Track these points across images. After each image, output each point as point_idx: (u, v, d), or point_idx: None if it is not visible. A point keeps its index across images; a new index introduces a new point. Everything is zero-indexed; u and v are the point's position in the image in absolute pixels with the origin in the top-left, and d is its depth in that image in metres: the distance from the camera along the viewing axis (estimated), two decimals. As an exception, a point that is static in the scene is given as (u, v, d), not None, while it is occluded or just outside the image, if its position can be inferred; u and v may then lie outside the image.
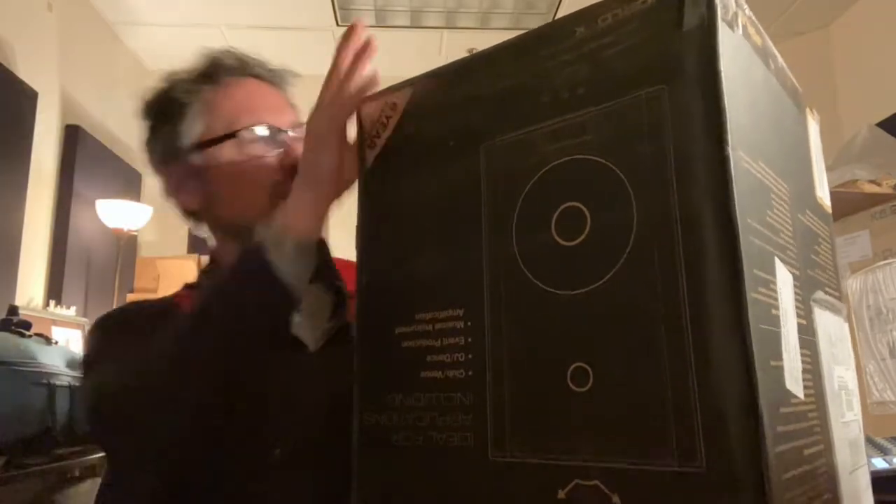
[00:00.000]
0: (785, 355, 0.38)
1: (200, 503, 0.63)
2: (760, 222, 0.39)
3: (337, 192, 0.60)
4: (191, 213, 0.82)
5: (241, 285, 0.59)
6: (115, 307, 0.81)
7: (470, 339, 0.46)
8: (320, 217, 0.60)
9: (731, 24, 0.41)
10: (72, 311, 2.82)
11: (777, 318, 0.38)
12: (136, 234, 3.35)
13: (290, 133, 0.75)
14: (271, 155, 0.72)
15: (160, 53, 3.74)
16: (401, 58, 4.05)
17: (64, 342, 2.45)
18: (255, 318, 0.57)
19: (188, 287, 0.82)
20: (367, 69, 0.62)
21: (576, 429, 0.40)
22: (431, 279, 0.49)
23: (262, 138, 0.72)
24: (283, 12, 3.32)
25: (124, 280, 3.23)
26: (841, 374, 0.49)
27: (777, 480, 0.33)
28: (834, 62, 3.44)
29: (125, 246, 3.19)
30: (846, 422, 0.48)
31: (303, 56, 3.70)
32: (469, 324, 0.46)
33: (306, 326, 0.71)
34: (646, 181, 0.39)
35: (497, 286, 0.45)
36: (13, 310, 1.99)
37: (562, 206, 0.43)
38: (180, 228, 3.86)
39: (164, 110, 0.76)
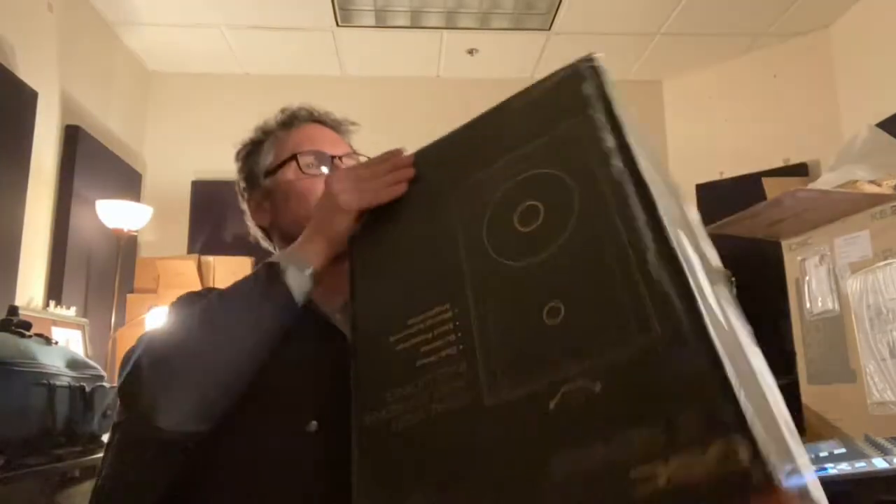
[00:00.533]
0: (692, 253, 0.53)
1: (239, 470, 0.72)
2: (661, 183, 0.56)
3: (340, 247, 0.74)
4: (262, 229, 0.99)
5: (259, 290, 0.72)
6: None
7: (458, 322, 0.56)
8: (324, 258, 0.73)
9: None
10: (72, 312, 2.82)
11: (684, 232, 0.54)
12: (136, 234, 3.35)
13: (343, 159, 0.93)
14: (323, 174, 0.90)
15: (160, 53, 3.74)
16: (401, 58, 4.06)
17: (64, 342, 2.45)
18: (261, 314, 0.70)
19: None
20: (402, 188, 0.72)
21: (555, 353, 0.49)
22: (418, 291, 0.60)
23: (316, 161, 0.92)
24: (283, 12, 3.32)
25: (124, 280, 3.23)
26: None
27: (711, 329, 0.45)
28: (834, 62, 3.44)
29: (125, 246, 3.19)
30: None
31: (303, 56, 3.72)
32: (456, 310, 0.56)
33: (346, 326, 0.84)
34: (580, 172, 0.56)
35: (476, 276, 0.57)
36: (13, 310, 1.99)
37: (521, 206, 0.58)
38: (180, 229, 3.84)
39: (248, 151, 0.98)
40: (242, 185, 0.99)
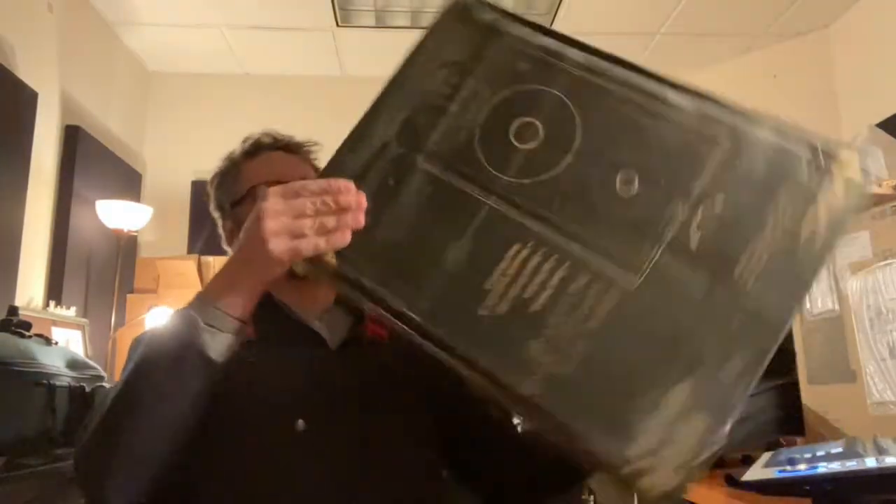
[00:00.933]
0: None
1: (232, 471, 0.74)
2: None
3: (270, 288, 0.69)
4: None
5: (172, 348, 0.66)
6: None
7: (543, 248, 0.54)
8: (250, 306, 0.66)
9: None
10: (72, 312, 2.82)
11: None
12: (136, 234, 3.35)
13: None
14: None
15: (160, 53, 3.74)
16: (401, 58, 4.04)
17: (64, 343, 2.45)
18: (176, 375, 0.65)
19: None
20: (346, 237, 0.59)
21: (657, 201, 0.54)
22: (466, 255, 0.55)
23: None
24: (283, 12, 3.32)
25: (124, 280, 3.23)
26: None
27: None
28: (834, 62, 3.44)
29: (125, 246, 3.19)
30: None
31: (303, 56, 3.72)
32: (530, 242, 0.54)
33: (325, 332, 0.87)
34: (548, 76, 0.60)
35: (511, 202, 0.56)
36: (13, 310, 1.99)
37: (513, 127, 0.59)
38: (180, 229, 3.84)
39: (217, 181, 1.00)
40: (215, 214, 1.01)
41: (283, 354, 0.81)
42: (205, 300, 0.65)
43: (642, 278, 0.50)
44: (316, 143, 1.03)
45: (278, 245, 0.58)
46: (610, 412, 0.47)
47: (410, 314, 0.54)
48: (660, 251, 0.51)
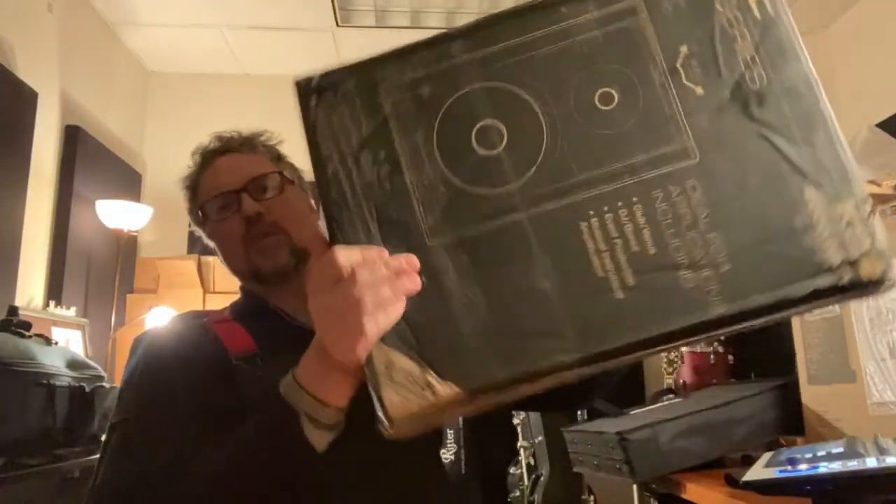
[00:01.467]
0: None
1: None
2: None
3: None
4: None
5: (274, 448, 0.63)
6: (155, 330, 0.90)
7: (598, 208, 0.52)
8: (349, 392, 0.58)
9: None
10: (72, 312, 2.82)
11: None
12: (136, 234, 3.35)
13: (245, 192, 0.88)
14: (229, 215, 0.88)
15: (160, 53, 3.74)
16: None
17: (64, 343, 2.45)
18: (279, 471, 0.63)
19: (229, 308, 0.94)
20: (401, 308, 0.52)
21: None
22: (558, 269, 0.52)
23: (221, 205, 0.89)
24: (283, 12, 3.32)
25: (124, 280, 3.23)
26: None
27: None
28: (834, 62, 3.44)
29: (125, 246, 3.19)
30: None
31: (303, 56, 3.71)
32: (591, 212, 0.52)
33: None
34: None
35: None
36: (13, 310, 1.99)
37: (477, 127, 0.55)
38: (180, 229, 3.84)
39: (187, 198, 0.97)
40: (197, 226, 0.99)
41: (291, 364, 0.75)
42: (294, 391, 0.60)
43: (698, 153, 0.50)
44: (262, 133, 0.98)
45: (346, 352, 0.51)
46: (784, 264, 0.48)
47: (570, 357, 0.49)
48: (684, 121, 0.51)
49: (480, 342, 0.50)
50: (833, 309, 0.98)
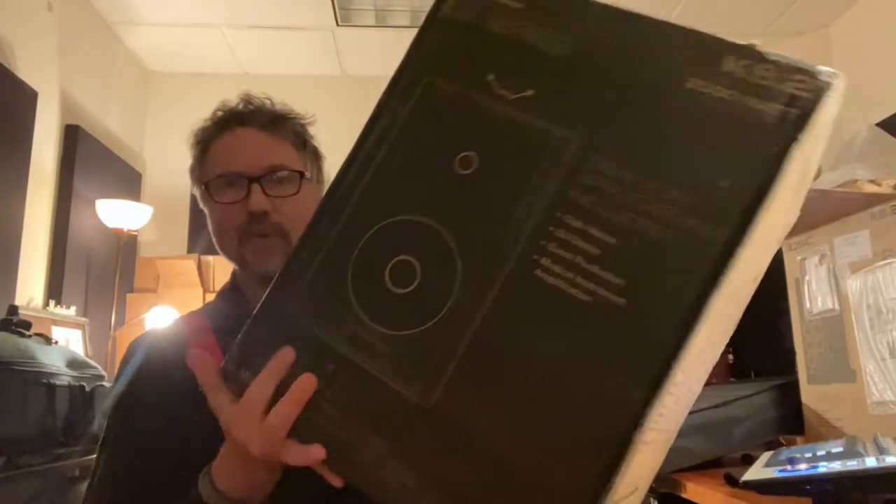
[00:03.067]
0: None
1: None
2: None
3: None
4: None
5: None
6: (140, 338, 0.86)
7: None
8: (255, 484, 0.55)
9: None
10: (72, 311, 2.82)
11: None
12: (136, 234, 3.35)
13: (264, 181, 0.81)
14: (235, 200, 0.81)
15: (160, 53, 3.74)
16: (401, 58, 4.04)
17: (64, 342, 2.45)
18: None
19: (210, 306, 0.89)
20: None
21: None
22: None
23: (223, 184, 0.82)
24: (283, 12, 3.32)
25: (124, 280, 3.23)
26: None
27: None
28: (834, 62, 3.44)
29: (125, 246, 3.19)
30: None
31: (303, 56, 3.71)
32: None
33: None
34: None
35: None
36: (13, 310, 1.99)
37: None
38: (180, 228, 3.84)
39: (192, 163, 0.89)
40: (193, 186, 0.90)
41: None
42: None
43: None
44: (295, 114, 0.88)
45: (259, 449, 0.50)
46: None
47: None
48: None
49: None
50: (833, 308, 0.97)
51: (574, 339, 0.42)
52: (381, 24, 3.42)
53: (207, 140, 0.85)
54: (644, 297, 0.41)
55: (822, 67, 0.43)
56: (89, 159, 3.11)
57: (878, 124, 1.68)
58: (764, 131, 0.42)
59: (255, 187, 0.80)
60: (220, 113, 0.86)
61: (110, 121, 3.42)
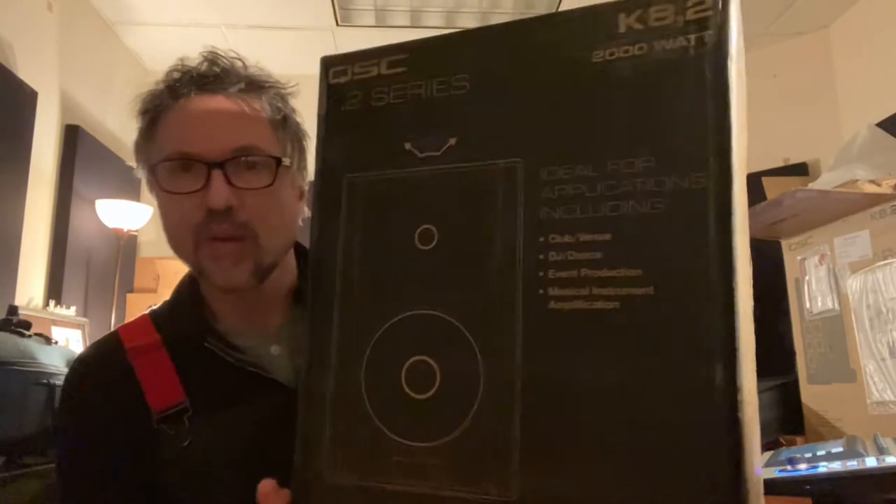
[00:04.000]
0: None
1: None
2: None
3: None
4: None
5: None
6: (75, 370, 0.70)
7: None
8: None
9: None
10: (72, 311, 2.82)
11: None
12: (136, 234, 3.35)
13: (229, 167, 0.62)
14: (190, 191, 0.62)
15: (160, 53, 3.74)
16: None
17: (64, 342, 2.45)
18: None
19: (146, 322, 0.72)
20: None
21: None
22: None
23: (180, 171, 0.63)
24: (283, 12, 3.32)
25: (124, 280, 3.23)
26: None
27: None
28: (834, 62, 3.44)
29: (125, 246, 3.19)
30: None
31: (303, 56, 3.71)
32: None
33: (284, 364, 0.67)
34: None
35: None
36: (13, 310, 1.99)
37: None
38: (180, 228, 3.79)
39: (136, 138, 0.69)
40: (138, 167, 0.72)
41: (221, 427, 0.62)
42: None
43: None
44: (274, 80, 0.71)
45: None
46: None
47: None
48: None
49: None
50: (833, 308, 0.97)
51: (626, 353, 0.38)
52: (381, 24, 3.42)
53: (157, 109, 0.65)
54: (669, 275, 0.38)
55: None
56: (89, 159, 3.11)
57: (878, 124, 1.68)
58: (691, 64, 0.40)
59: (217, 175, 0.61)
60: (175, 74, 0.66)
61: (110, 121, 3.42)
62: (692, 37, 0.41)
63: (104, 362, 0.68)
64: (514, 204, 0.43)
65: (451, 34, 0.48)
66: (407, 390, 0.44)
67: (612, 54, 0.42)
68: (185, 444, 0.61)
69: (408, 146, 0.47)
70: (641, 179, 0.40)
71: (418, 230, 0.45)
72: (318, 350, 0.47)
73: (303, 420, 0.48)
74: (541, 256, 0.42)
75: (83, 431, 0.66)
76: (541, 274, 0.41)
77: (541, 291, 0.41)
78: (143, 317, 0.71)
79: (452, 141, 0.46)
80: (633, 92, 0.41)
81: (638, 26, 0.42)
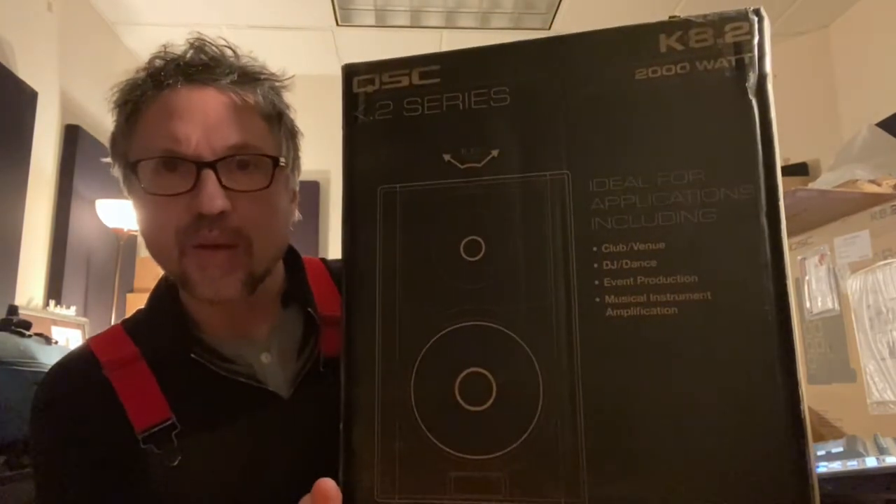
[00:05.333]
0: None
1: None
2: None
3: None
4: None
5: None
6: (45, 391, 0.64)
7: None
8: None
9: None
10: (72, 311, 2.82)
11: None
12: (136, 234, 3.35)
13: (221, 168, 0.57)
14: (177, 193, 0.57)
15: (160, 53, 3.74)
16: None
17: (64, 342, 2.45)
18: None
19: (120, 333, 0.66)
20: None
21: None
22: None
23: (165, 171, 0.57)
24: (283, 12, 3.32)
25: (124, 280, 3.23)
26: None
27: None
28: (834, 62, 3.44)
29: (125, 246, 3.19)
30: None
31: (303, 56, 3.71)
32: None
33: (274, 373, 0.63)
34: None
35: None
36: (13, 310, 1.99)
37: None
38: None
39: (112, 131, 0.63)
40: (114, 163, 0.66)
41: (214, 445, 0.57)
42: None
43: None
44: (269, 73, 0.66)
45: None
46: None
47: None
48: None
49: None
50: (833, 308, 0.98)
51: (687, 357, 0.39)
52: (381, 24, 3.42)
53: (139, 101, 0.61)
54: (725, 280, 0.39)
55: (742, 9, 0.44)
56: (89, 159, 3.11)
57: (878, 124, 1.68)
58: (733, 82, 0.43)
59: (209, 176, 0.56)
60: (158, 62, 0.60)
61: (110, 121, 3.42)
62: (732, 58, 0.43)
63: (78, 379, 0.62)
64: (565, 214, 0.44)
65: (483, 47, 0.48)
66: (461, 402, 0.43)
67: (654, 72, 0.44)
68: (175, 463, 0.56)
69: (447, 157, 0.47)
70: (692, 191, 0.42)
71: (464, 241, 0.45)
72: (360, 363, 0.46)
73: (347, 435, 0.46)
74: (595, 265, 0.42)
75: (58, 457, 0.59)
76: (596, 282, 0.42)
77: (597, 300, 0.42)
78: (115, 328, 0.66)
79: (495, 153, 0.46)
80: (677, 108, 0.43)
81: (679, 47, 0.44)
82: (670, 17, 0.45)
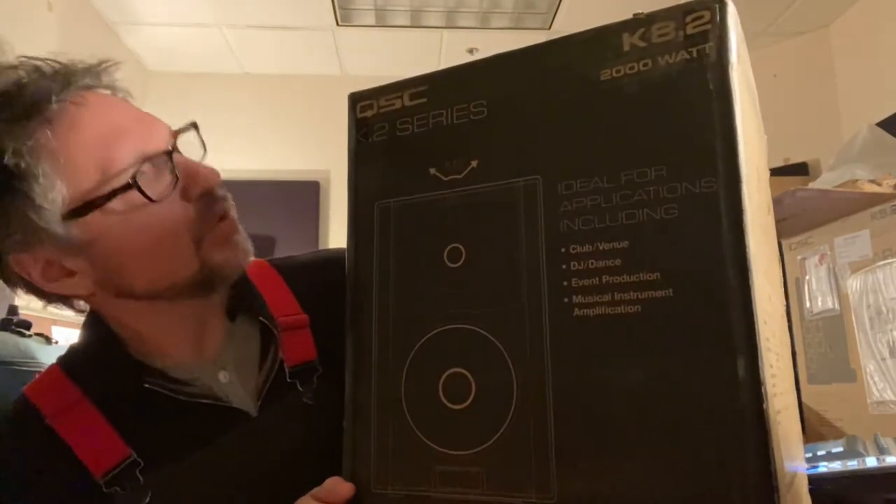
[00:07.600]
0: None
1: None
2: None
3: None
4: (70, 300, 0.63)
5: None
6: None
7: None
8: None
9: None
10: (72, 311, 2.81)
11: None
12: (136, 233, 3.35)
13: (175, 153, 0.56)
14: (169, 191, 0.55)
15: (160, 53, 3.74)
16: (401, 57, 4.05)
17: (64, 342, 2.45)
18: None
19: (58, 372, 0.61)
20: None
21: None
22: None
23: (157, 174, 0.54)
24: (283, 12, 3.32)
25: (124, 280, 3.22)
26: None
27: None
28: (834, 62, 3.44)
29: (125, 246, 3.19)
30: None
31: (303, 56, 3.71)
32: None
33: (236, 391, 0.60)
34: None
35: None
36: (13, 309, 1.99)
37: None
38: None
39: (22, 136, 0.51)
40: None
41: (192, 468, 0.55)
42: None
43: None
44: (108, 60, 0.58)
45: None
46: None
47: None
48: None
49: None
50: (833, 308, 0.97)
51: (650, 353, 0.40)
52: (381, 24, 3.42)
53: (37, 132, 0.50)
54: (686, 276, 0.40)
55: None
56: (89, 159, 3.10)
57: (878, 124, 1.68)
58: (694, 75, 0.43)
59: (184, 157, 0.57)
60: (18, 93, 0.51)
61: (110, 121, 3.42)
62: (693, 49, 0.43)
63: (20, 434, 0.57)
64: (536, 219, 0.46)
65: (467, 64, 0.51)
66: (444, 401, 0.47)
67: (618, 72, 0.45)
68: (147, 501, 0.53)
69: (432, 171, 0.50)
70: (654, 188, 0.42)
71: (447, 249, 0.48)
72: (360, 367, 0.51)
73: (349, 432, 0.51)
74: (563, 267, 0.44)
75: None
76: (564, 283, 0.44)
77: (565, 300, 0.44)
78: (52, 369, 0.61)
79: (474, 163, 0.49)
80: (640, 106, 0.44)
81: (641, 44, 0.44)
82: (634, 15, 0.45)
